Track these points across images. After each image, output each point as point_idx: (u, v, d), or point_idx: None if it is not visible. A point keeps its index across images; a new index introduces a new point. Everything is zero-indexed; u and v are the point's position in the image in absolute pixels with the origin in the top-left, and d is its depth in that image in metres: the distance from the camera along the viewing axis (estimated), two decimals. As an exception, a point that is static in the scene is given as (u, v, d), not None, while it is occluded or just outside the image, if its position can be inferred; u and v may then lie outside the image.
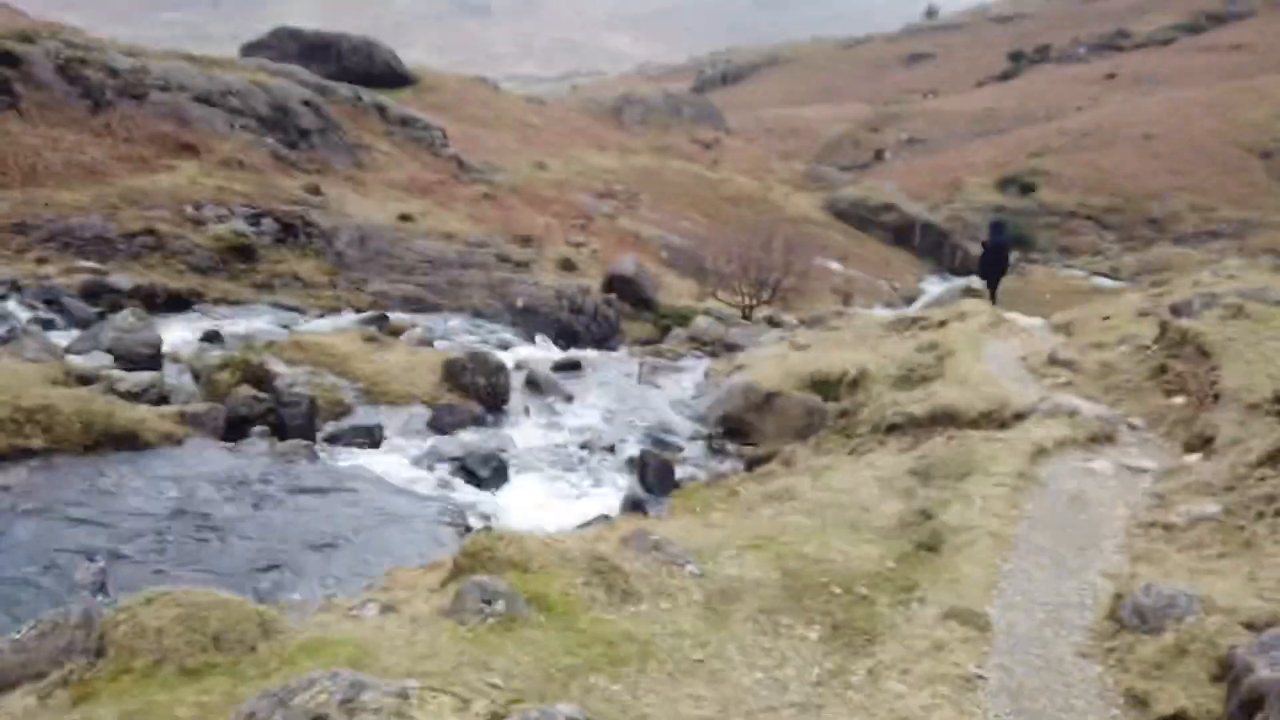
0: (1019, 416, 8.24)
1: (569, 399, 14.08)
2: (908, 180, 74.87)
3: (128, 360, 11.08)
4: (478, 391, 12.67)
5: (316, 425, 10.59)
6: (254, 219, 18.85)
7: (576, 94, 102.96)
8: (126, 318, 11.41)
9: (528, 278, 21.00)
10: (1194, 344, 8.67)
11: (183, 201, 18.48)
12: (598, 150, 62.61)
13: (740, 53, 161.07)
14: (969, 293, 14.84)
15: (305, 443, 9.09)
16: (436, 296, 19.09)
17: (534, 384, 14.25)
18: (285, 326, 15.61)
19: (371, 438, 10.47)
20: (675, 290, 28.03)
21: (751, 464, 11.71)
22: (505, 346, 17.57)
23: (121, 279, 14.86)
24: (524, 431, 12.23)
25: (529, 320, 19.52)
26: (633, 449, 12.20)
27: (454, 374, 12.74)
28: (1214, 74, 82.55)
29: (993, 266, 16.40)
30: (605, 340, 21.37)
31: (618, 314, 22.27)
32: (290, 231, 19.05)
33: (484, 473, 10.04)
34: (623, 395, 14.69)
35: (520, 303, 19.74)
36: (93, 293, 14.23)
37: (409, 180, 25.68)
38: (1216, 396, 7.74)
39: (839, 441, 10.02)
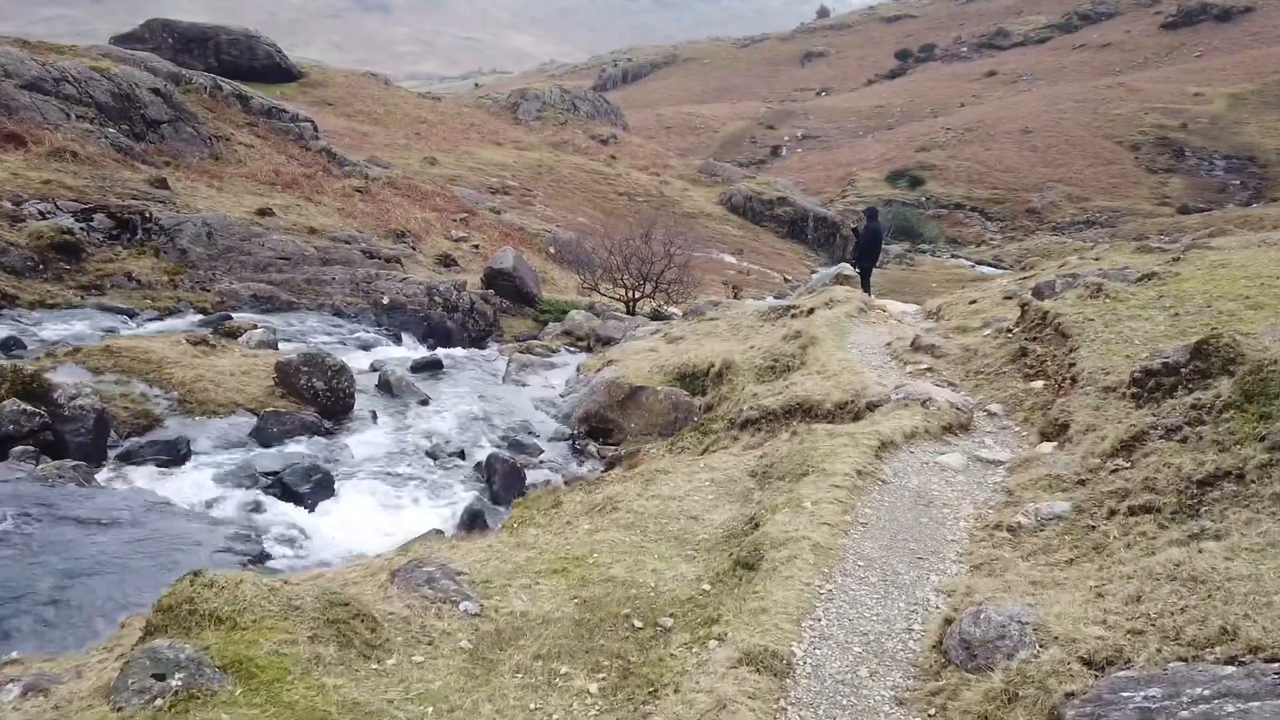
0: (872, 407, 7.65)
1: (424, 402, 13.07)
2: (803, 175, 75.84)
3: (-112, 373, 9.62)
4: (315, 396, 11.55)
5: (110, 441, 9.36)
6: (84, 215, 17.17)
7: (478, 92, 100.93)
8: (-112, 324, 9.92)
9: (396, 274, 19.81)
10: (1053, 325, 8.25)
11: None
12: (493, 146, 61.45)
13: (641, 52, 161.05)
14: (841, 280, 14.43)
15: (76, 464, 7.88)
16: (292, 295, 17.75)
17: (386, 387, 13.21)
18: (110, 330, 14.13)
19: (176, 454, 9.29)
20: (561, 285, 27.17)
21: (612, 464, 10.95)
22: (366, 347, 16.42)
23: (-90, 282, 13.18)
24: (366, 439, 11.18)
25: (395, 319, 18.35)
26: (486, 454, 11.32)
27: (287, 378, 11.60)
28: (1086, 71, 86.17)
29: (868, 253, 16.05)
30: (482, 338, 20.36)
31: (495, 310, 21.28)
32: (126, 228, 17.43)
33: (303, 488, 8.98)
34: (485, 396, 13.76)
35: (385, 300, 18.54)
36: (-128, 298, 12.53)
37: (272, 173, 24.08)
38: (1074, 380, 7.30)
39: (695, 439, 9.32)
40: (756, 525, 5.27)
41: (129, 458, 9.04)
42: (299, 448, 10.31)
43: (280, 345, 14.61)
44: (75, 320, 14.36)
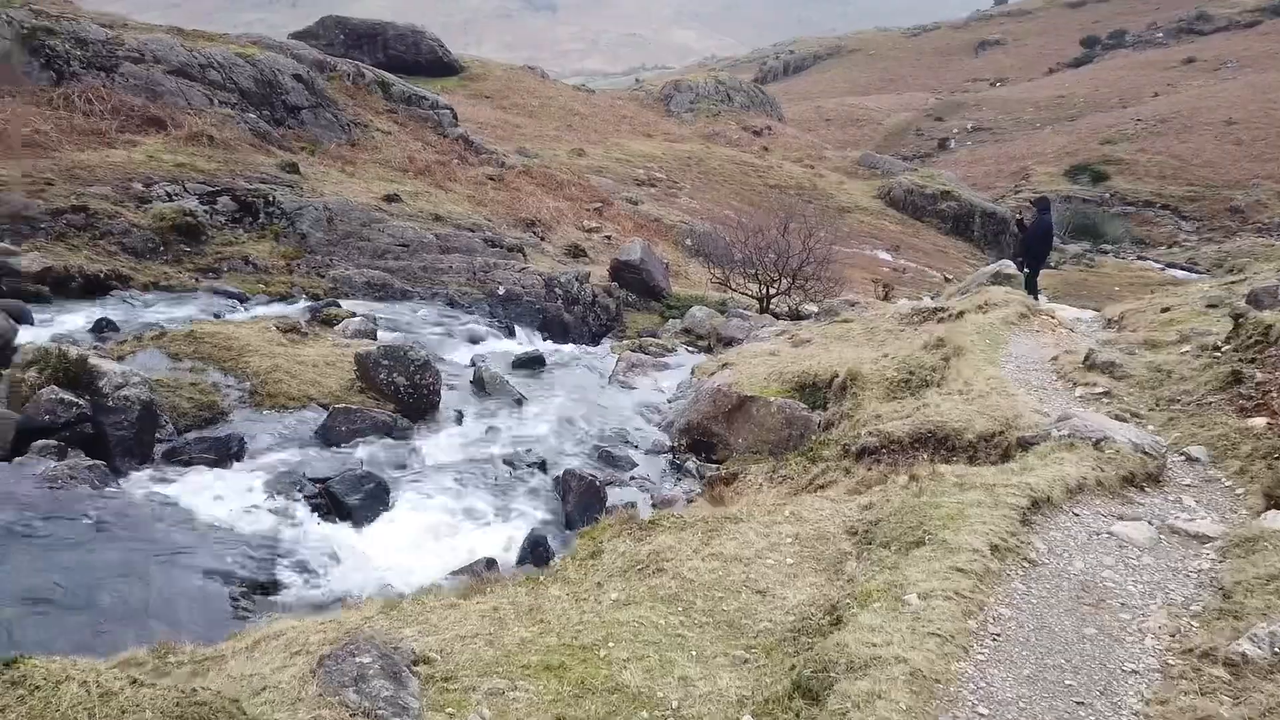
0: (1025, 444, 5.85)
1: (519, 402, 11.97)
2: (972, 169, 71.30)
3: (-43, 353, 9.32)
4: (395, 392, 10.62)
5: (166, 435, 8.67)
6: (209, 197, 17.13)
7: (635, 86, 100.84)
8: (-35, 303, 9.63)
9: (515, 264, 18.94)
10: (1283, 346, 6.17)
11: (132, 178, 16.85)
12: (643, 138, 61.04)
13: (804, 44, 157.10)
14: (999, 279, 12.30)
15: (94, 464, 7.11)
16: (407, 283, 17.14)
17: (481, 384, 12.20)
18: (216, 315, 13.79)
19: (225, 452, 8.48)
20: (695, 279, 25.79)
21: (712, 485, 9.48)
22: (475, 340, 15.52)
23: (27, 261, 13.18)
24: (442, 443, 10.14)
25: (510, 310, 17.46)
26: (571, 465, 10.08)
27: (366, 372, 10.72)
28: (1306, 55, 76.98)
29: (1035, 250, 13.78)
30: (603, 333, 19.28)
31: (619, 304, 20.13)
32: (249, 211, 17.29)
33: (352, 499, 7.97)
34: (586, 398, 12.53)
35: (501, 291, 17.69)
36: (-14, 276, 12.55)
37: (405, 160, 23.83)
38: (1317, 424, 5.28)
39: (801, 466, 7.73)
40: (837, 620, 3.70)
41: (174, 455, 8.29)
42: (364, 450, 9.36)
43: (381, 335, 13.90)
44: (185, 303, 14.10)
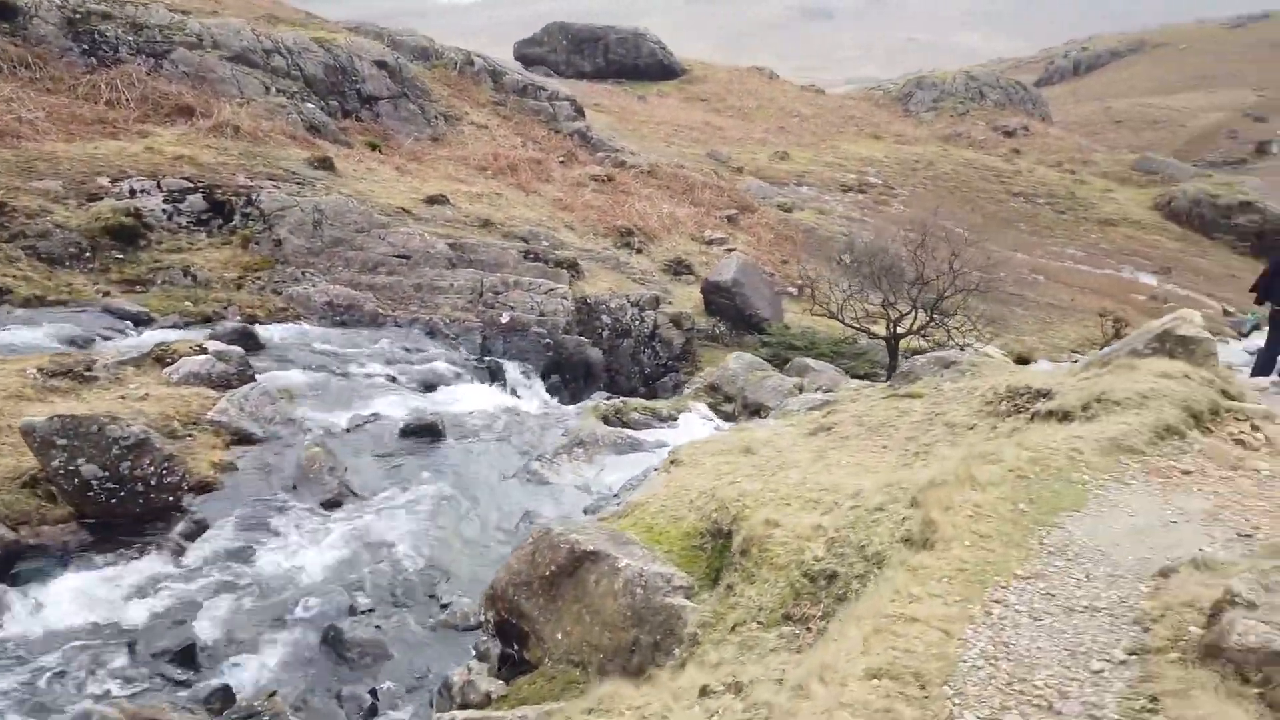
0: None
1: (333, 504, 7.70)
2: (1294, 177, 57.93)
3: None
4: (80, 489, 6.71)
5: None
6: (178, 195, 14.37)
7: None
8: None
9: (547, 283, 14.65)
10: None
11: (101, 172, 14.44)
12: (868, 140, 55.11)
13: (1100, 40, 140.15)
14: (1172, 342, 6.11)
15: None
16: (387, 304, 13.42)
17: (297, 469, 8.09)
18: (74, 341, 10.68)
19: None
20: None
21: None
22: (429, 386, 11.41)
23: None
24: (72, 589, 6.05)
25: (511, 343, 13.24)
26: (273, 649, 5.69)
27: (43, 456, 6.89)
28: None
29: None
30: (660, 375, 14.64)
31: (690, 338, 15.31)
32: (219, 212, 14.35)
33: None
34: (453, 498, 8.00)
35: (505, 318, 13.48)
36: None
37: (490, 157, 20.30)
38: None
39: None
40: None
41: None
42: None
43: (290, 375, 10.22)
44: (53, 324, 11.11)
